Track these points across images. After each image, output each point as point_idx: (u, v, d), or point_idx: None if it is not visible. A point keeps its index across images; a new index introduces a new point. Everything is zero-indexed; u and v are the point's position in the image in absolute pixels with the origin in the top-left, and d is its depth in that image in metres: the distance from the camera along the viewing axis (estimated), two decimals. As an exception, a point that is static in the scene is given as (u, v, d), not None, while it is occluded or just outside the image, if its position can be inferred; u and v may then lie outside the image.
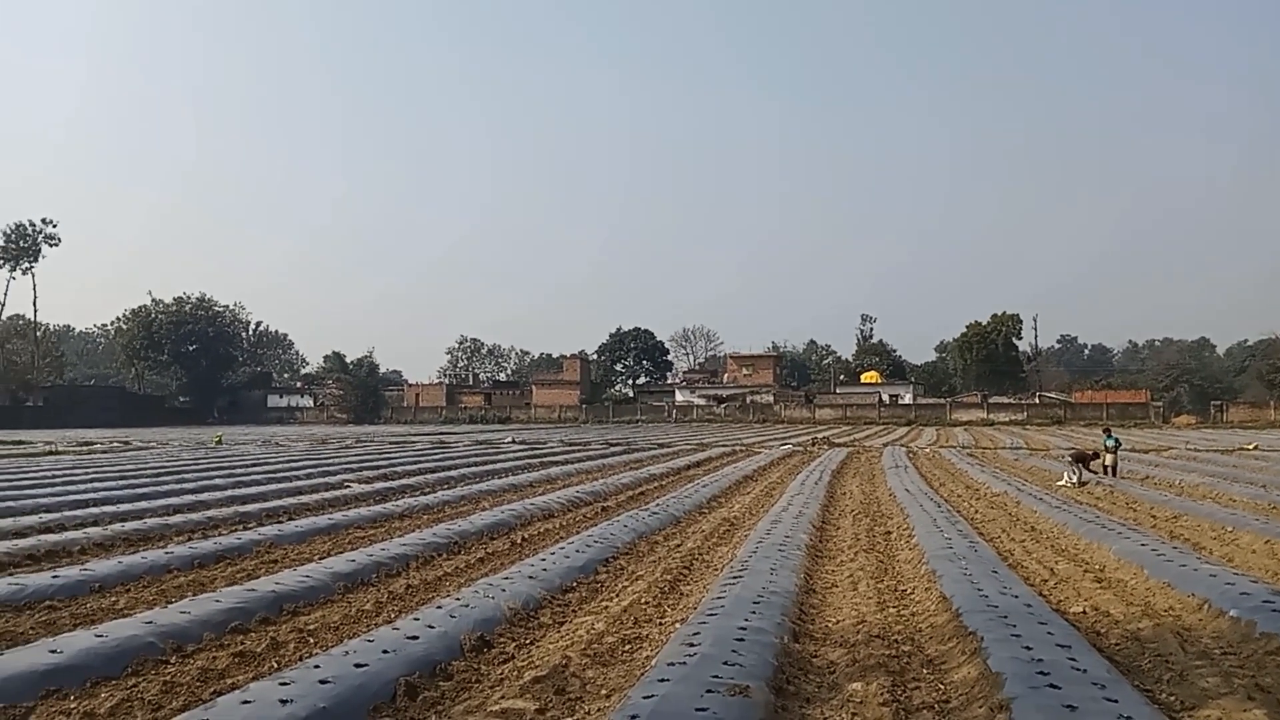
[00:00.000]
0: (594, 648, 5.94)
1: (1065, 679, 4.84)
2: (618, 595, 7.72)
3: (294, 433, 55.72)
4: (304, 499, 14.81)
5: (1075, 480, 17.09)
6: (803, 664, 5.68)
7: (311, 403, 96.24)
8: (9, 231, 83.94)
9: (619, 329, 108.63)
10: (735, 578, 7.74)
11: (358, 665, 5.09)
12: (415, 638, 5.72)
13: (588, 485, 16.83)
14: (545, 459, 25.84)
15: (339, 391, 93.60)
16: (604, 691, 5.13)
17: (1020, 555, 9.75)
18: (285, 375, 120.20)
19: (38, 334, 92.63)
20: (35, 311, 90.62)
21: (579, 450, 31.10)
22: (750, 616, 6.25)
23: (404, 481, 18.16)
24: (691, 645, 5.52)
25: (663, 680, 4.84)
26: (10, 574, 8.32)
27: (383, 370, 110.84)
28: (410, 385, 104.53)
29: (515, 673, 5.48)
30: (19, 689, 4.87)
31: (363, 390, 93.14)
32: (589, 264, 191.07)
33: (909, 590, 7.98)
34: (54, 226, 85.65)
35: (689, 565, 9.10)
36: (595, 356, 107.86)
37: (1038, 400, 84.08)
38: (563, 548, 9.46)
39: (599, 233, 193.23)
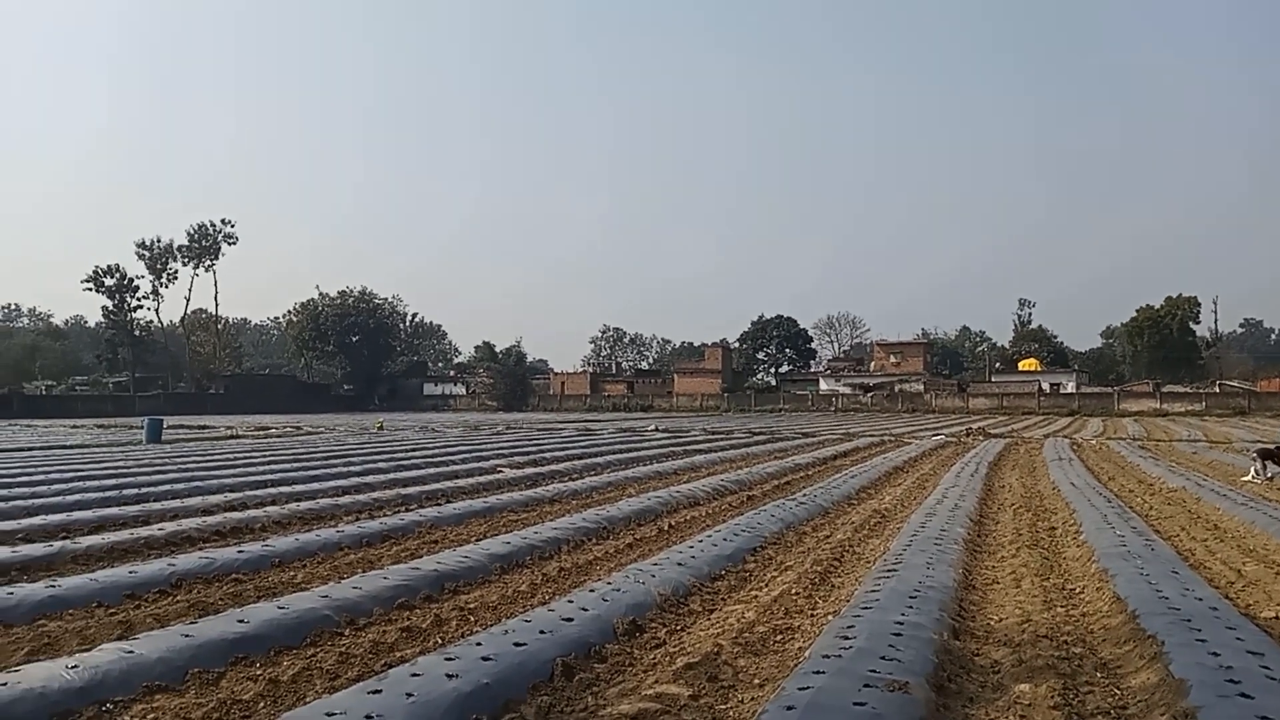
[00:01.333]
0: (745, 637, 5.92)
1: (1258, 688, 4.46)
2: (767, 585, 7.66)
3: (448, 419, 58.15)
4: (460, 482, 15.43)
5: (1263, 476, 15.74)
6: (964, 662, 5.47)
7: (464, 390, 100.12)
8: (193, 231, 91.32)
9: (760, 317, 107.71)
10: (889, 571, 7.54)
11: (516, 644, 5.25)
12: (570, 620, 5.85)
13: (732, 474, 16.78)
14: (688, 447, 25.94)
15: (489, 380, 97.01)
16: (756, 681, 5.11)
17: (1202, 555, 9.06)
18: (439, 364, 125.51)
19: (219, 327, 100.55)
20: (216, 306, 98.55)
21: (722, 439, 31.06)
22: (907, 611, 6.07)
23: (553, 467, 18.63)
24: (846, 638, 5.41)
25: (818, 672, 4.76)
26: (201, 548, 9.04)
27: (530, 359, 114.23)
28: (556, 374, 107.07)
29: (667, 658, 5.52)
30: (211, 655, 5.28)
31: (511, 379, 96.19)
32: (727, 252, 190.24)
33: (1078, 589, 7.55)
34: (232, 226, 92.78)
35: (839, 557, 8.93)
36: (737, 345, 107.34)
37: (1217, 389, 77.89)
38: (710, 536, 9.46)
39: (734, 221, 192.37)
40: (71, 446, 26.96)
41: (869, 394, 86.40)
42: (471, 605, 6.80)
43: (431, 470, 17.64)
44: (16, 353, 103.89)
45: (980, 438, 32.61)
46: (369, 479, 15.77)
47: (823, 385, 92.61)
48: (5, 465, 18.67)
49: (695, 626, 6.33)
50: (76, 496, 12.84)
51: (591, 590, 6.80)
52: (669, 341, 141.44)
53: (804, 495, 13.31)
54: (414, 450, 23.83)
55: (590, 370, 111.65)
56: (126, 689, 4.73)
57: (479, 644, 5.26)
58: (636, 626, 6.04)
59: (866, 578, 7.49)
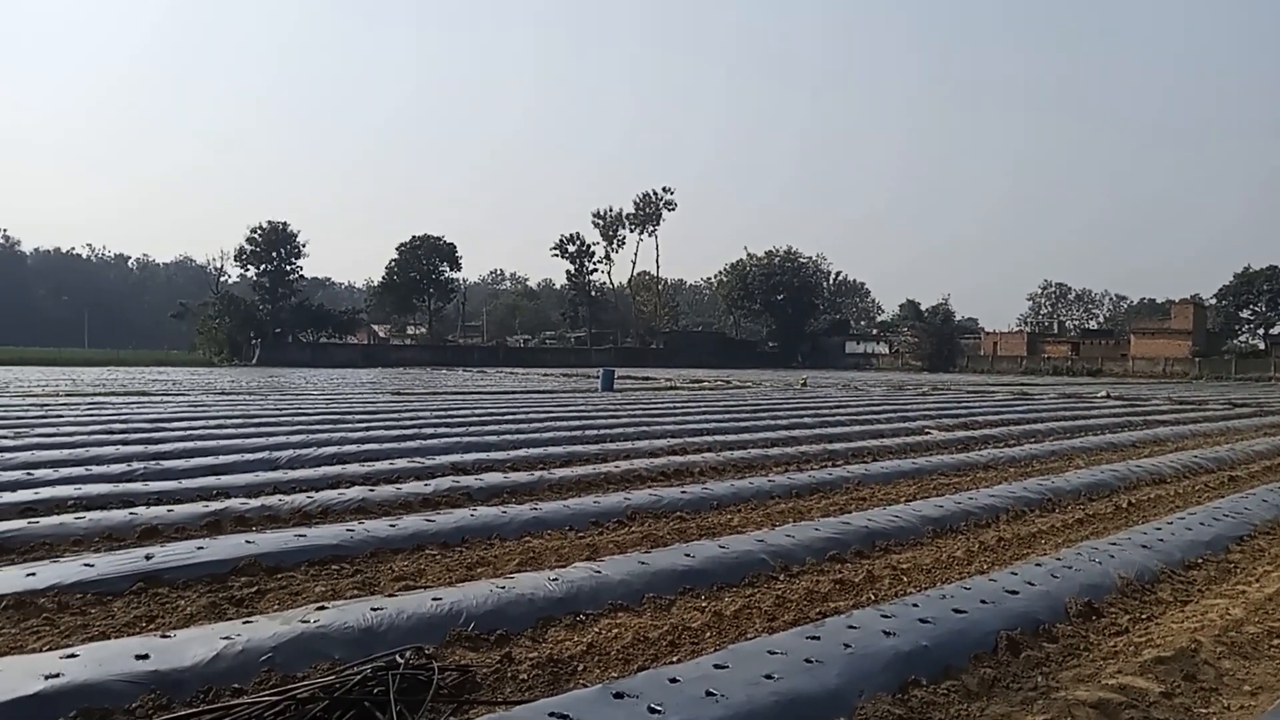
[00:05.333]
0: (1230, 635, 5.07)
1: None
2: (1258, 580, 6.49)
3: (870, 378, 57.66)
4: (885, 441, 15.19)
5: None
6: None
7: (886, 349, 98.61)
8: (639, 200, 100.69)
9: (1246, 268, 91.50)
10: None
11: (955, 611, 5.01)
12: (1014, 593, 5.45)
13: (1207, 450, 14.48)
14: (1149, 417, 22.89)
15: (914, 339, 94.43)
16: (1247, 687, 4.36)
17: None
18: (861, 323, 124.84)
19: (659, 287, 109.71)
20: (657, 268, 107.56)
21: (1192, 409, 26.97)
22: None
23: (985, 432, 17.55)
24: (1381, 657, 4.39)
25: (1340, 692, 3.93)
26: (649, 486, 9.93)
27: (958, 318, 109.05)
28: (987, 334, 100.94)
29: (1131, 648, 4.91)
30: (662, 583, 5.74)
31: (937, 338, 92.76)
32: (1201, 192, 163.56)
33: None
34: (671, 194, 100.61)
35: (1363, 557, 7.28)
36: (1213, 301, 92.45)
37: None
38: (1181, 518, 8.25)
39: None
40: (544, 392, 31.26)
41: (1400, 362, 69.40)
42: (904, 565, 6.64)
43: (856, 428, 17.57)
44: (501, 312, 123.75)
45: None
46: (795, 433, 16.16)
47: (1330, 350, 76.37)
48: (498, 406, 22.24)
49: (1164, 617, 5.56)
50: (551, 434, 14.84)
51: (1037, 565, 6.26)
52: (1124, 298, 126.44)
53: (1307, 480, 11.06)
54: (838, 408, 23.94)
55: (1027, 330, 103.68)
56: (594, 605, 5.33)
57: (915, 605, 5.11)
58: (1092, 609, 5.46)
59: None
